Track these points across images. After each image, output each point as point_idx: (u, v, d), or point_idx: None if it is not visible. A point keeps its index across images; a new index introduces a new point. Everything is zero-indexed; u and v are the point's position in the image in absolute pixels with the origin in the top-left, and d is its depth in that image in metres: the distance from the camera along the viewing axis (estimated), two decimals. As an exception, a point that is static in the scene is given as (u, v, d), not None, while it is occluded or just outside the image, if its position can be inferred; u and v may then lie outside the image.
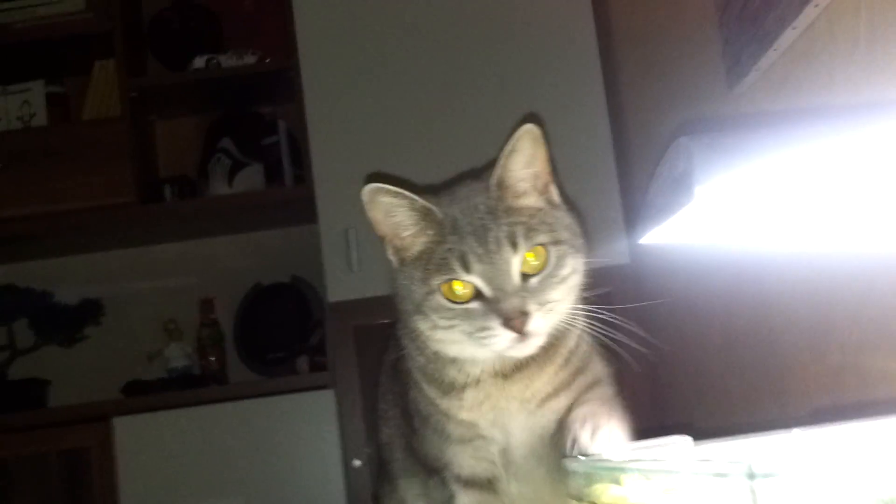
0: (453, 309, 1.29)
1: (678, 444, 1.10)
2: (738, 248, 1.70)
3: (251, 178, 3.31)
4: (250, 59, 3.36)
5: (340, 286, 2.88)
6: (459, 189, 1.39)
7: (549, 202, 1.38)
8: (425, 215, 1.32)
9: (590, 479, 0.99)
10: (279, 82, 3.28)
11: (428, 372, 1.44)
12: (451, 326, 1.30)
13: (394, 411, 1.65)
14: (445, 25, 2.94)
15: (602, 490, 0.92)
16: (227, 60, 3.35)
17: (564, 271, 1.31)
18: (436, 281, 1.29)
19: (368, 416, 2.84)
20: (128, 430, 3.04)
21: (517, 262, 1.27)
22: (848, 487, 0.57)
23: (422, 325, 1.34)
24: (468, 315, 1.28)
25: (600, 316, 1.36)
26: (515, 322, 1.24)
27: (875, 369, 1.45)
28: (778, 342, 1.78)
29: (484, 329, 1.27)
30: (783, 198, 0.76)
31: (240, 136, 3.37)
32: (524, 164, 1.33)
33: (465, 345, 1.32)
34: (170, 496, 3.00)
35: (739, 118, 1.77)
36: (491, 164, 1.37)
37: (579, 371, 1.44)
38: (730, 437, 1.09)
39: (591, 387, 1.44)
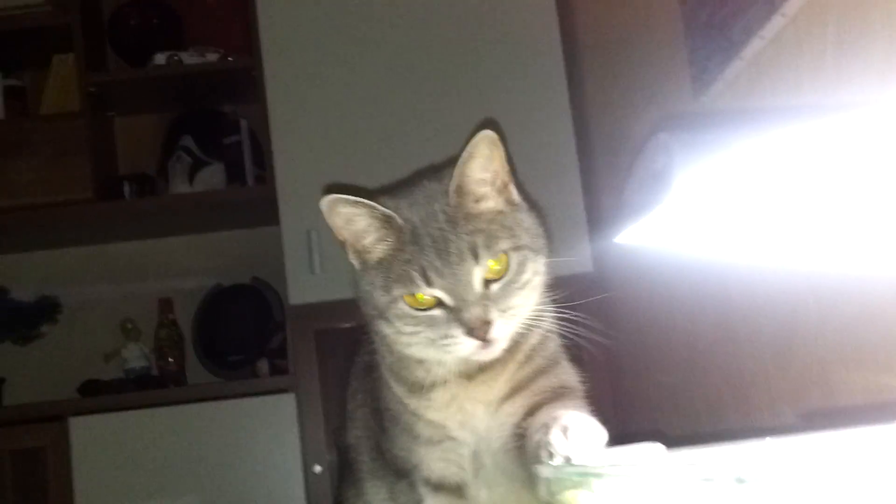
0: (416, 317, 1.30)
1: (651, 451, 1.09)
2: (703, 260, 1.70)
3: (212, 177, 3.27)
4: (212, 57, 3.32)
5: (302, 289, 2.85)
6: (418, 192, 1.39)
7: (509, 202, 1.38)
8: (385, 222, 1.32)
9: (560, 484, 0.97)
10: (242, 81, 3.25)
11: (396, 371, 1.44)
12: (415, 333, 1.31)
13: (363, 411, 1.64)
14: (411, 27, 2.93)
15: (572, 497, 0.90)
16: (189, 58, 3.31)
17: (526, 276, 1.31)
18: (397, 291, 1.30)
19: (330, 420, 2.82)
20: (84, 431, 2.99)
21: (479, 272, 1.28)
22: (833, 494, 0.57)
23: (386, 329, 1.35)
24: (431, 322, 1.29)
25: (565, 315, 1.38)
26: (478, 331, 1.26)
27: (839, 382, 1.45)
28: (742, 353, 1.78)
29: (447, 337, 1.28)
30: (758, 196, 0.75)
31: (201, 135, 3.33)
32: (481, 167, 1.33)
33: (429, 350, 1.32)
34: (126, 498, 2.96)
35: (716, 115, 1.77)
36: (451, 161, 1.36)
37: (541, 371, 1.43)
38: (700, 445, 1.08)
39: (558, 394, 1.42)
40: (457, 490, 1.45)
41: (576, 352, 1.49)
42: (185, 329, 3.43)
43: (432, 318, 1.29)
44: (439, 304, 1.29)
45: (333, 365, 2.79)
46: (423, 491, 1.46)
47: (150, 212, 3.34)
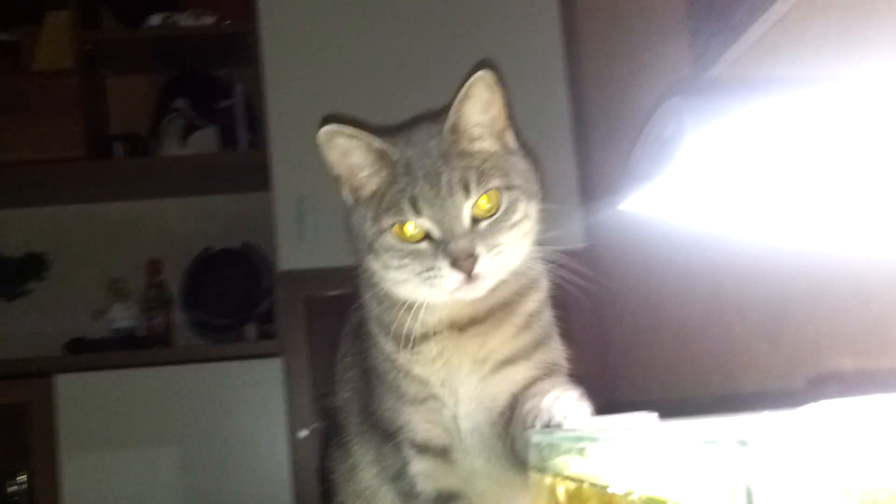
0: (403, 249, 1.31)
1: (645, 420, 1.10)
2: (695, 237, 1.71)
3: (205, 140, 3.26)
4: (208, 20, 3.29)
5: (292, 255, 2.86)
6: (416, 132, 1.39)
7: (505, 147, 1.39)
8: (381, 156, 1.33)
9: (553, 450, 0.98)
10: (237, 45, 3.23)
11: (385, 323, 1.43)
12: (402, 266, 1.32)
13: (352, 373, 1.62)
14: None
15: (565, 462, 0.91)
16: (185, 19, 3.29)
17: (516, 216, 1.32)
18: (387, 221, 1.31)
19: (316, 386, 2.83)
20: (70, 388, 3.00)
21: (468, 206, 1.29)
22: (841, 462, 0.57)
23: (374, 264, 1.35)
24: (418, 255, 1.30)
25: (555, 260, 1.39)
26: (463, 263, 1.26)
27: (829, 366, 1.47)
28: (732, 332, 1.80)
29: (432, 269, 1.29)
30: (763, 168, 0.75)
31: (195, 98, 3.32)
32: (479, 110, 1.34)
33: (414, 285, 1.33)
34: (110, 456, 2.97)
35: (727, 83, 1.77)
36: (448, 106, 1.37)
37: (540, 343, 1.43)
38: (694, 416, 1.09)
39: (550, 371, 1.43)
40: (442, 453, 1.45)
41: (564, 325, 1.50)
42: (173, 291, 3.43)
43: (419, 250, 1.30)
44: (427, 237, 1.30)
45: (321, 331, 2.79)
46: (409, 453, 1.46)
47: (141, 173, 3.33)
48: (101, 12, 3.48)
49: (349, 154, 1.34)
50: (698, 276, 1.93)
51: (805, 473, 0.57)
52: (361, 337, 1.54)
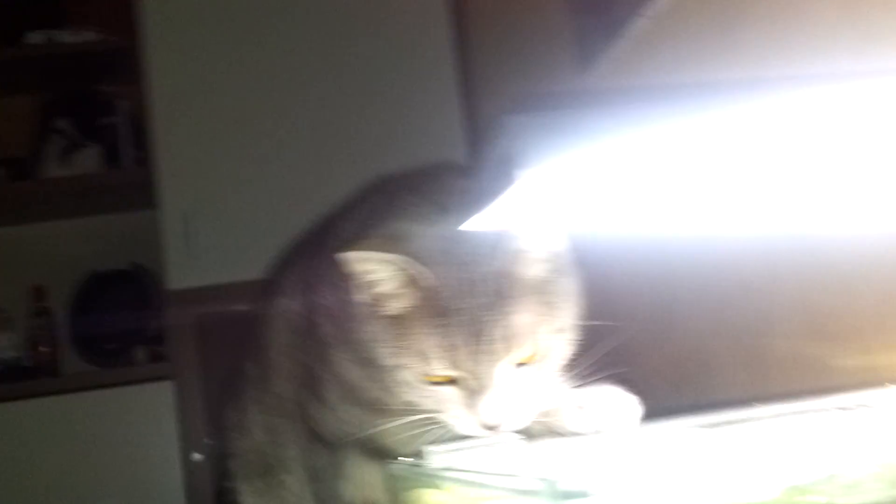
0: (422, 389, 1.13)
1: (508, 444, 1.07)
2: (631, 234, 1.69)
3: (88, 159, 3.16)
4: (91, 36, 3.20)
5: (181, 273, 2.79)
6: (459, 244, 1.12)
7: (557, 269, 1.16)
8: (412, 280, 1.11)
9: (406, 482, 0.95)
10: (121, 61, 3.14)
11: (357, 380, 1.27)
12: (417, 400, 1.15)
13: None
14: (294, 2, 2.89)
15: (421, 495, 0.88)
16: (66, 36, 3.19)
17: (558, 361, 1.15)
18: (409, 364, 1.12)
19: (210, 408, 2.76)
20: (-49, 424, 2.86)
21: (509, 361, 1.09)
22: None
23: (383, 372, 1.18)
24: (439, 398, 1.12)
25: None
26: (493, 426, 1.09)
27: (716, 358, 1.47)
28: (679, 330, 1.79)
29: (454, 416, 1.12)
30: (619, 179, 0.72)
31: (77, 116, 3.22)
32: (540, 248, 1.13)
33: (424, 407, 1.16)
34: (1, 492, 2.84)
35: (573, 96, 1.77)
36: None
37: None
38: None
39: None
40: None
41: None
42: (59, 317, 3.30)
43: (441, 393, 1.12)
44: (452, 381, 1.11)
45: (214, 350, 2.72)
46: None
47: (22, 196, 3.22)
48: (-23, 32, 3.35)
49: (374, 269, 1.12)
50: (643, 272, 1.91)
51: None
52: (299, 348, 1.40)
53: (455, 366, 1.08)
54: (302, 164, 2.83)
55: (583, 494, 0.53)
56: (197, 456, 2.72)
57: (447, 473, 0.83)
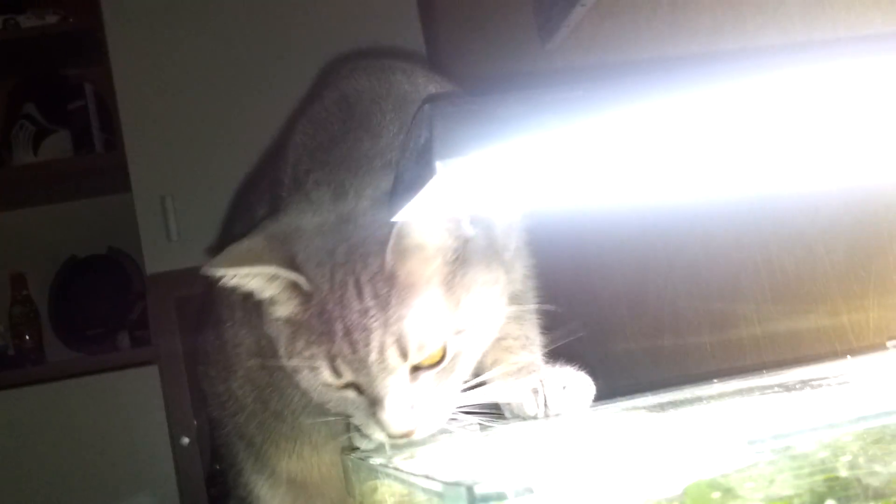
0: (326, 392, 1.07)
1: (467, 429, 1.06)
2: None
3: (58, 145, 3.13)
4: (52, 19, 3.15)
5: (159, 257, 2.78)
6: (348, 240, 1.04)
7: (459, 250, 1.04)
8: (288, 285, 1.05)
9: (361, 474, 0.94)
10: (84, 43, 3.10)
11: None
12: (325, 401, 1.10)
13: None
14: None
15: (373, 487, 0.88)
16: (27, 20, 3.13)
17: (465, 361, 1.06)
18: (302, 366, 1.06)
19: (195, 390, 2.75)
20: (-63, 416, 2.85)
21: (405, 369, 1.01)
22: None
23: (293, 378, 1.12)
24: (344, 401, 1.07)
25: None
26: (399, 436, 1.03)
27: (688, 320, 1.47)
28: (599, 297, 1.80)
29: (360, 422, 1.07)
30: (542, 166, 0.70)
31: (44, 101, 3.17)
32: (422, 255, 1.02)
33: (339, 411, 1.11)
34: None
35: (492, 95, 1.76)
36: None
37: None
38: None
39: None
40: None
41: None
42: (40, 305, 3.28)
43: (345, 398, 1.06)
44: (353, 386, 1.04)
45: (195, 333, 2.72)
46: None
47: (-6, 184, 3.18)
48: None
49: (246, 282, 1.05)
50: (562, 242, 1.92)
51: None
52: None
53: (345, 374, 1.02)
54: (275, 136, 2.81)
55: (500, 497, 0.52)
56: (185, 439, 2.72)
57: (383, 470, 0.83)
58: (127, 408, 2.87)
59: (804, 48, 1.10)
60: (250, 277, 1.04)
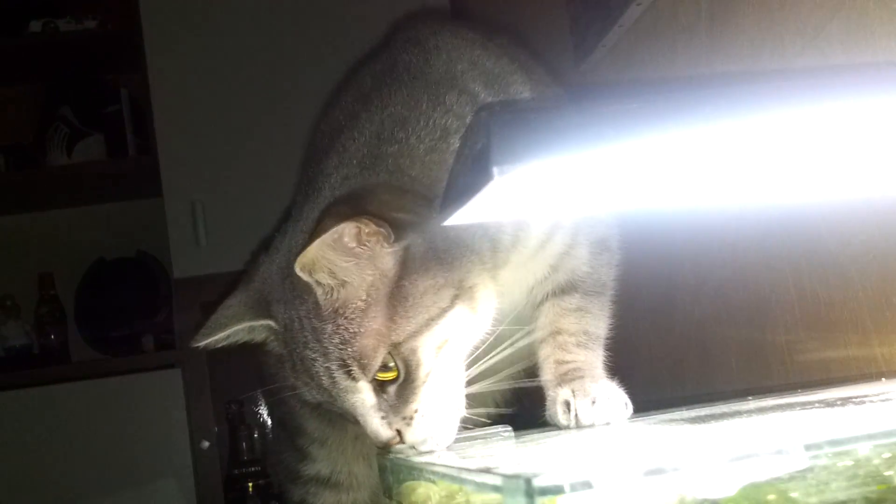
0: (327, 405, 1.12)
1: (500, 435, 1.08)
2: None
3: (92, 147, 3.16)
4: (90, 24, 3.20)
5: (187, 261, 2.80)
6: (289, 278, 1.08)
7: (391, 264, 1.04)
8: (268, 327, 1.14)
9: (399, 475, 0.95)
10: (122, 48, 3.13)
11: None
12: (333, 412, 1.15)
13: None
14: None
15: (412, 489, 0.88)
16: (66, 24, 3.18)
17: (423, 369, 1.03)
18: (293, 388, 1.12)
19: (216, 395, 2.77)
20: (-39, 412, 2.87)
21: (362, 388, 1.03)
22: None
23: None
24: (343, 413, 1.10)
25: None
26: (390, 443, 1.05)
27: (714, 341, 1.47)
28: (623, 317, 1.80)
29: (363, 431, 1.09)
30: (593, 173, 0.71)
31: (79, 104, 3.21)
32: (342, 247, 1.02)
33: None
34: (5, 479, 2.86)
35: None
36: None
37: None
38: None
39: None
40: None
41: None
42: (67, 305, 3.31)
43: (341, 411, 1.09)
44: None
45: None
46: None
47: (27, 184, 3.22)
48: (-22, 22, 3.35)
49: (232, 340, 1.16)
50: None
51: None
52: None
53: (317, 397, 1.08)
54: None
55: (558, 490, 0.53)
56: (205, 443, 2.73)
57: (430, 467, 0.84)
58: (149, 410, 2.89)
59: (841, 71, 1.11)
60: (233, 336, 1.15)
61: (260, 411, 3.10)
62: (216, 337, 1.14)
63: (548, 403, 1.19)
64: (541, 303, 1.30)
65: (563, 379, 1.20)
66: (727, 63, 1.35)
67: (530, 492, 0.53)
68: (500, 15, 2.52)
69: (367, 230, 1.00)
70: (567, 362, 1.23)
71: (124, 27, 3.08)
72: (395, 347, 1.02)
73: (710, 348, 1.50)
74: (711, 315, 1.49)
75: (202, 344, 1.14)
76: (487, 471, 0.61)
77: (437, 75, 1.20)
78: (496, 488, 0.57)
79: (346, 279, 1.02)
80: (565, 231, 1.25)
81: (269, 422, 3.03)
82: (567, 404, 1.14)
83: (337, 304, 1.02)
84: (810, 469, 0.56)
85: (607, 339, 1.29)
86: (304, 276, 1.02)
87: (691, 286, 1.53)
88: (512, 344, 1.16)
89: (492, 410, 1.18)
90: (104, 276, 3.33)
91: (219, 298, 1.19)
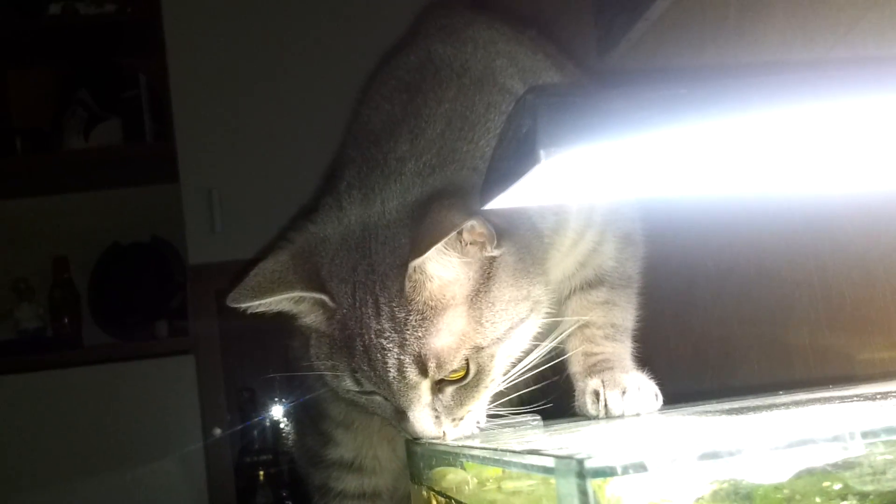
0: (355, 395, 1.10)
1: (530, 423, 1.08)
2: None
3: (109, 132, 3.16)
4: (110, 7, 3.18)
5: (202, 248, 2.80)
6: (370, 259, 1.04)
7: (486, 268, 1.04)
8: (313, 302, 1.07)
9: (429, 461, 0.94)
10: (141, 33, 3.13)
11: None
12: (352, 400, 1.14)
13: None
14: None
15: (442, 475, 0.88)
16: (86, 7, 3.17)
17: (489, 377, 1.05)
18: (329, 375, 1.09)
19: (229, 382, 2.77)
20: (-26, 394, 2.88)
21: (425, 386, 1.03)
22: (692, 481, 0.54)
23: None
24: (372, 402, 1.10)
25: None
26: (426, 438, 1.05)
27: (737, 342, 1.46)
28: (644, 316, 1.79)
29: (392, 423, 1.11)
30: (638, 159, 0.70)
31: (97, 88, 3.21)
32: (448, 256, 1.01)
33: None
34: (18, 462, 2.86)
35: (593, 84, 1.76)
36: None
37: None
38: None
39: None
40: None
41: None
42: (81, 289, 3.31)
43: (372, 401, 1.09)
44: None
45: (233, 326, 2.73)
46: None
47: (44, 168, 3.21)
48: (-2, 3, 3.35)
49: (272, 308, 1.08)
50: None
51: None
52: None
53: (366, 385, 1.05)
54: (324, 136, 2.82)
55: (611, 472, 0.52)
56: (217, 430, 2.73)
57: (466, 451, 0.83)
58: (161, 396, 2.89)
59: (871, 63, 1.10)
60: (276, 304, 1.07)
61: (272, 400, 3.10)
62: (260, 301, 1.05)
63: (576, 394, 1.19)
64: (567, 297, 1.29)
65: (593, 370, 1.20)
66: (756, 58, 1.33)
67: (583, 473, 0.52)
68: (521, 6, 2.51)
69: (479, 230, 0.99)
70: (595, 354, 1.23)
71: (144, 12, 3.08)
72: (476, 351, 1.02)
73: (732, 345, 1.49)
74: (733, 312, 1.48)
75: (243, 305, 1.05)
76: (536, 452, 0.60)
77: (478, 72, 1.18)
78: (547, 470, 0.56)
79: (443, 275, 1.01)
80: (594, 229, 1.25)
81: (282, 410, 3.02)
82: (596, 394, 1.13)
83: (427, 298, 1.00)
84: (865, 457, 0.55)
85: (634, 331, 1.29)
86: (414, 276, 1.00)
87: (714, 283, 1.52)
88: (548, 346, 1.15)
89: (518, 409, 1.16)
90: (119, 261, 3.33)
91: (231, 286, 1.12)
